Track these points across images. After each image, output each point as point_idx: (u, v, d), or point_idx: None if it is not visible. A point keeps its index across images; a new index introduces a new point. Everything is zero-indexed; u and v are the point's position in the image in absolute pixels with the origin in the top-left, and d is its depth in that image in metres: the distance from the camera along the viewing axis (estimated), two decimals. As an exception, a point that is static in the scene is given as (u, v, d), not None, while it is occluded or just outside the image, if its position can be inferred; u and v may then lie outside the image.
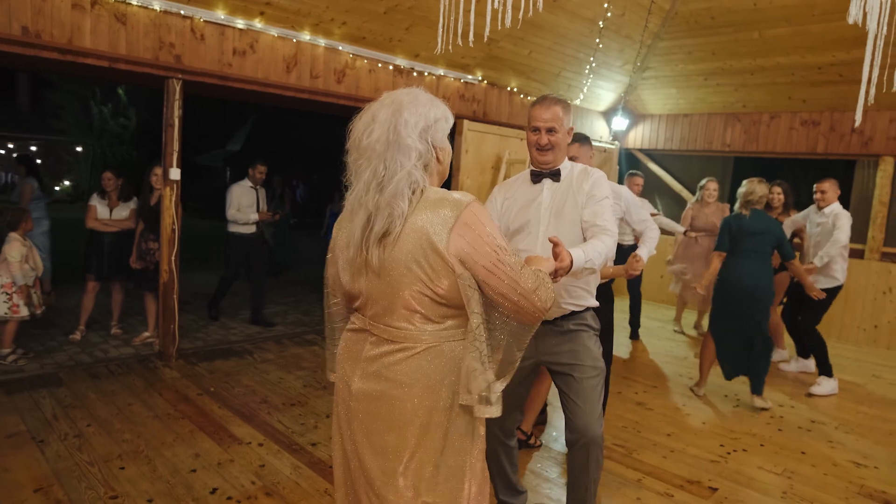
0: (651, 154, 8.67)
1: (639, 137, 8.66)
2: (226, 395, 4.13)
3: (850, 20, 2.84)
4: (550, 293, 1.54)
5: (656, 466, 3.46)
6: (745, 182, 4.52)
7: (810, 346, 5.01)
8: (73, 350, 4.91)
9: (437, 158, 1.56)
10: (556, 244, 1.89)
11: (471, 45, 4.08)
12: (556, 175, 2.47)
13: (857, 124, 3.00)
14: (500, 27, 3.60)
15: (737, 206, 4.50)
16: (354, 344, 1.62)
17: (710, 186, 6.33)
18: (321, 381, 4.53)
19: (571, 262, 1.95)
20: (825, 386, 4.90)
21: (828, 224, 5.08)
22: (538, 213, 2.47)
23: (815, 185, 5.22)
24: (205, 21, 4.54)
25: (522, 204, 2.51)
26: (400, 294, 1.48)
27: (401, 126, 1.47)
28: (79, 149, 22.49)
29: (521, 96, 7.16)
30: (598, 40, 6.73)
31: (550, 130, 2.40)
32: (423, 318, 1.50)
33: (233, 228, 5.96)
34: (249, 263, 6.06)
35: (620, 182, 8.73)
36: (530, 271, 1.51)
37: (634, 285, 6.48)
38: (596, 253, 2.15)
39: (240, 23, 4.70)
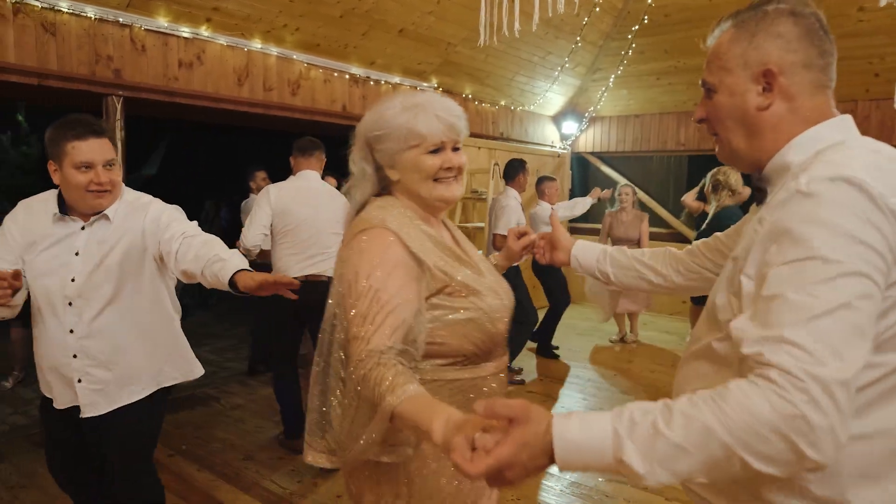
0: (603, 157, 8.64)
1: (589, 141, 8.62)
2: (202, 454, 3.59)
3: (883, 2, 2.75)
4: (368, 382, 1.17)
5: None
6: (728, 170, 4.56)
7: None
8: (4, 411, 4.21)
9: (387, 175, 1.43)
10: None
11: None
12: None
13: None
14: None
15: (730, 197, 4.52)
16: None
17: (624, 192, 6.11)
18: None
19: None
20: None
21: None
22: None
23: None
24: (146, 30, 4.00)
25: None
26: None
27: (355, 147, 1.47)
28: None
29: (476, 103, 6.93)
30: (573, 44, 6.59)
31: None
32: None
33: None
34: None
35: (573, 187, 8.67)
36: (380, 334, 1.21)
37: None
38: None
39: (185, 31, 4.19)
